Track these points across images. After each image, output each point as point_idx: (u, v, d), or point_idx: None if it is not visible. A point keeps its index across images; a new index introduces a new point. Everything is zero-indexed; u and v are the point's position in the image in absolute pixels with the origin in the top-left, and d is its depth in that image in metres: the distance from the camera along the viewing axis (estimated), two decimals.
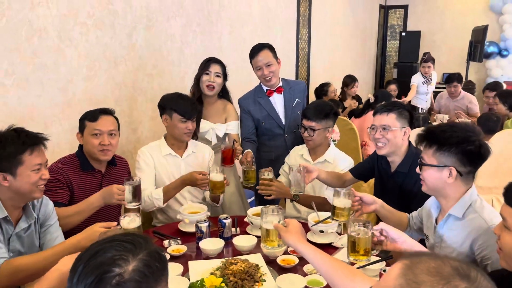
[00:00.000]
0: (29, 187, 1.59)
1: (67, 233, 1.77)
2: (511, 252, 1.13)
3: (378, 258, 1.56)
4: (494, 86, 4.68)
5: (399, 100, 5.01)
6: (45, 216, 1.73)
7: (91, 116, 2.05)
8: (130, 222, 1.63)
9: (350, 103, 5.11)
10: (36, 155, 1.60)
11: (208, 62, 2.60)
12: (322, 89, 4.95)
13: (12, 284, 1.51)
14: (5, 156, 1.54)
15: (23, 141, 1.57)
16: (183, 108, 2.25)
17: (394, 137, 2.01)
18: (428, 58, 5.49)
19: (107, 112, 2.09)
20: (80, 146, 2.10)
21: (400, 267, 0.74)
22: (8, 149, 1.54)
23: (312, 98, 5.25)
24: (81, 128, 2.07)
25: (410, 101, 5.64)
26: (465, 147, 1.45)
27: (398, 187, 2.04)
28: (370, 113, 4.03)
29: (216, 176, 2.10)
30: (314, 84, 5.45)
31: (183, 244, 1.91)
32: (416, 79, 5.60)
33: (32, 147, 1.58)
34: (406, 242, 1.43)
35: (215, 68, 2.58)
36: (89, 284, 0.81)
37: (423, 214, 1.77)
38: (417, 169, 1.60)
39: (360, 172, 2.30)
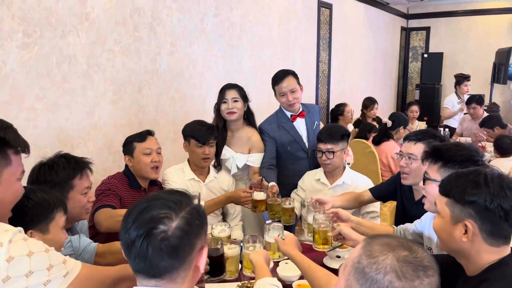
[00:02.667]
0: (79, 210, 1.69)
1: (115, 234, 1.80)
2: (436, 232, 1.28)
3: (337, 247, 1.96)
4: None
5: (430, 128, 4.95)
6: (81, 233, 1.81)
7: (139, 137, 2.20)
8: (221, 232, 1.88)
9: None
10: (85, 179, 1.72)
11: (222, 90, 2.53)
12: (338, 109, 4.93)
13: (109, 263, 1.54)
14: (58, 182, 1.64)
15: (73, 167, 1.68)
16: (198, 133, 2.32)
17: (419, 168, 1.90)
18: (469, 77, 5.34)
19: (151, 133, 2.26)
20: (126, 166, 2.22)
21: (362, 243, 0.93)
22: (61, 174, 1.65)
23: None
24: (130, 150, 2.18)
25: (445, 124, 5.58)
26: (468, 166, 1.50)
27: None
28: (387, 143, 3.98)
29: (258, 195, 2.24)
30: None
31: None
32: (450, 101, 5.41)
33: (81, 172, 1.70)
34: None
35: (231, 94, 2.50)
36: (140, 234, 0.95)
37: (424, 228, 1.81)
38: (421, 184, 1.68)
39: (381, 193, 2.30)
